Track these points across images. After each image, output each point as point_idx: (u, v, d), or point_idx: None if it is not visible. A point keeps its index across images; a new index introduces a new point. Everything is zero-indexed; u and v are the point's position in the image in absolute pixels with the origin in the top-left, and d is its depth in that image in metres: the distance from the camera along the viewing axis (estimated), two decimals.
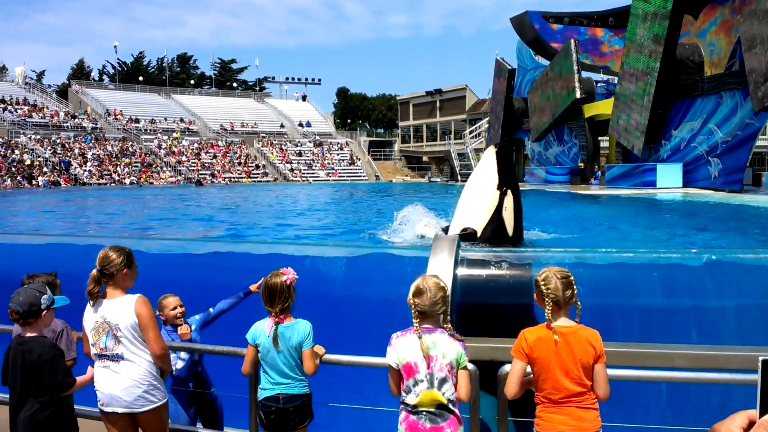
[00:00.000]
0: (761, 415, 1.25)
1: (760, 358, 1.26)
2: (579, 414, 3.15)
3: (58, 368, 3.63)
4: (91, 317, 3.76)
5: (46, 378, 3.59)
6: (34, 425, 3.61)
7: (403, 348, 3.30)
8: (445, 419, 3.26)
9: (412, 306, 3.31)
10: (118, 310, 3.70)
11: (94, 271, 3.72)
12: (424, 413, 3.25)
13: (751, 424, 1.26)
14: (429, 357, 3.25)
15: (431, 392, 3.25)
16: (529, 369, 3.29)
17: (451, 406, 3.28)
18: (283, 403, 3.68)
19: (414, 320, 3.31)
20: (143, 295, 3.76)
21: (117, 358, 3.71)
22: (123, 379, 3.70)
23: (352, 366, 4.03)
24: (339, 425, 4.75)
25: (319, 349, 3.82)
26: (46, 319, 3.71)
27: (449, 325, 3.35)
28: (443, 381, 3.26)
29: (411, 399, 3.28)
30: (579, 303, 3.26)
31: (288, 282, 3.74)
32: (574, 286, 3.25)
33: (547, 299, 3.19)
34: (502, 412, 3.68)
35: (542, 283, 3.23)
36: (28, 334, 3.66)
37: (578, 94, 35.18)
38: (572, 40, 36.07)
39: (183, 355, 4.56)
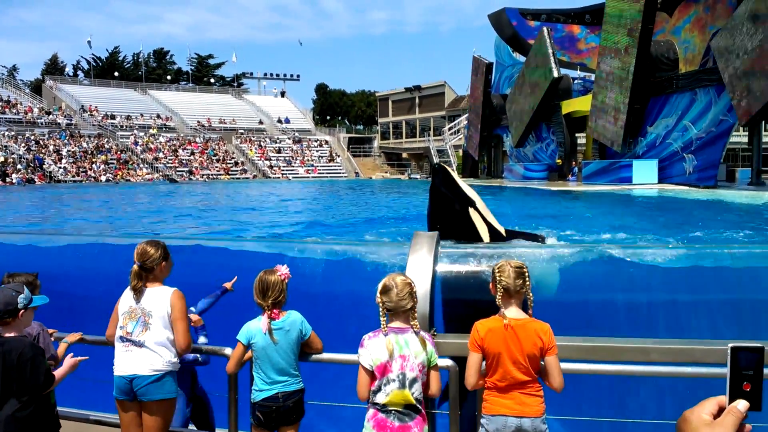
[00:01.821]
0: (731, 401, 1.29)
1: (729, 345, 1.30)
2: (522, 399, 3.29)
3: (39, 367, 3.62)
4: (127, 302, 3.94)
5: (27, 377, 3.56)
6: (15, 424, 3.57)
7: (377, 349, 3.34)
8: (413, 418, 3.32)
9: (380, 304, 3.36)
10: (155, 298, 3.90)
11: (135, 267, 3.89)
12: (393, 412, 3.30)
13: (721, 410, 1.29)
14: (402, 357, 3.30)
15: (402, 392, 3.30)
16: None
17: (418, 405, 3.35)
18: (284, 401, 3.70)
19: (381, 319, 3.35)
20: (179, 290, 3.96)
21: (139, 344, 3.87)
22: (141, 365, 3.85)
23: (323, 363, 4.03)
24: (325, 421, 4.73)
25: None
26: (24, 318, 3.69)
27: (416, 322, 3.40)
28: (414, 381, 3.32)
29: (380, 398, 3.32)
30: (531, 295, 3.38)
31: (282, 278, 3.78)
32: (527, 278, 3.36)
33: (498, 286, 3.33)
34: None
35: (497, 271, 3.37)
36: (7, 334, 3.64)
37: (555, 74, 35.43)
38: (544, 28, 36.46)
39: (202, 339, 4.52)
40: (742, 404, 1.28)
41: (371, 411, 3.36)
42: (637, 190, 26.28)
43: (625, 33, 28.91)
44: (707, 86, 25.73)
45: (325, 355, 3.93)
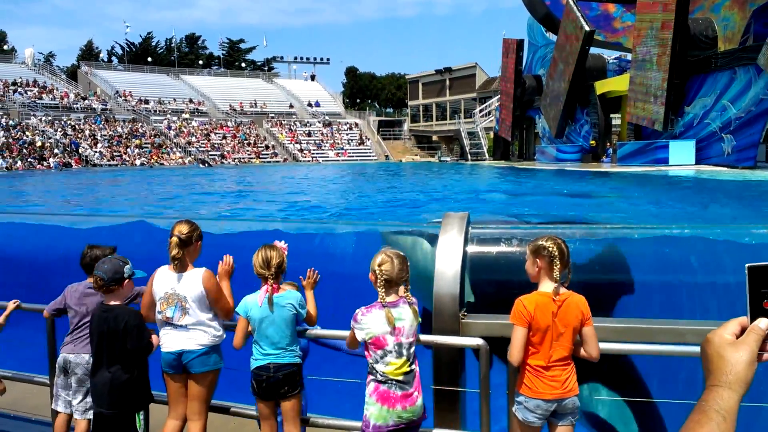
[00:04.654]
0: (752, 320, 1.31)
1: (747, 265, 1.31)
2: (563, 378, 3.31)
3: (143, 333, 3.95)
4: (162, 286, 4.00)
5: (133, 342, 3.87)
6: (116, 387, 3.88)
7: (371, 323, 3.45)
8: (412, 385, 3.47)
9: (378, 274, 3.43)
10: (188, 282, 3.96)
11: (174, 238, 3.95)
12: (393, 382, 3.42)
13: (743, 330, 1.31)
14: (397, 329, 3.43)
15: (400, 361, 3.43)
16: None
17: (414, 367, 3.50)
18: (274, 372, 3.79)
19: (380, 290, 3.44)
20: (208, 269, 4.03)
21: (181, 328, 3.98)
22: (188, 342, 3.97)
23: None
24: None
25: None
26: (126, 288, 3.99)
27: (408, 293, 3.53)
28: (409, 348, 3.47)
29: (380, 368, 3.44)
30: (570, 270, 3.41)
31: (282, 250, 3.92)
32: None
33: (556, 260, 3.29)
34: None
35: (549, 246, 3.32)
36: (111, 302, 3.95)
37: (587, 27, 34.79)
38: (566, 1, 35.89)
39: None
40: (763, 322, 1.29)
41: (372, 385, 3.47)
42: (673, 171, 25.75)
43: (661, 9, 28.20)
44: (747, 65, 24.98)
45: (320, 331, 4.05)
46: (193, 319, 3.96)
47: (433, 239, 4.71)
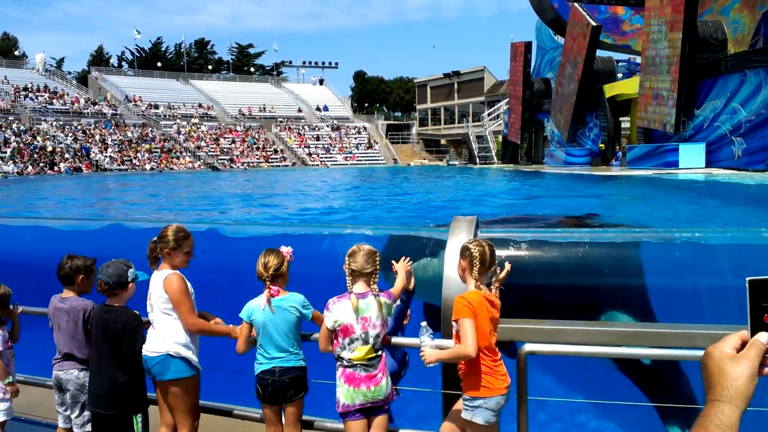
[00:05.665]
0: (752, 334, 1.30)
1: (747, 279, 1.30)
2: (503, 371, 3.50)
3: (139, 337, 3.96)
4: (150, 285, 4.08)
5: (128, 345, 3.89)
6: (115, 388, 3.90)
7: (339, 312, 3.64)
8: (376, 368, 3.68)
9: (346, 266, 3.64)
10: (154, 282, 4.01)
11: (154, 239, 4.07)
12: (359, 365, 3.64)
13: (744, 344, 1.31)
14: (364, 318, 3.62)
15: (366, 348, 3.64)
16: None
17: (380, 353, 3.71)
18: (279, 375, 3.79)
19: (348, 279, 3.64)
20: (179, 273, 3.99)
21: (152, 325, 4.02)
22: (148, 346, 3.97)
23: None
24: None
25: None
26: (129, 291, 4.03)
27: (375, 286, 3.67)
28: (376, 336, 3.66)
29: (347, 355, 3.65)
30: (498, 272, 3.66)
31: (285, 256, 3.94)
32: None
33: (475, 261, 3.47)
34: (521, 393, 3.68)
35: (472, 248, 3.52)
36: (115, 305, 3.98)
37: (593, 23, 34.72)
38: (572, 4, 35.84)
39: None
40: (764, 336, 1.29)
41: (340, 370, 3.68)
42: (683, 175, 25.61)
43: (669, 11, 28.10)
44: (757, 67, 24.84)
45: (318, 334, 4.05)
46: (155, 319, 3.98)
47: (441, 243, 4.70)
